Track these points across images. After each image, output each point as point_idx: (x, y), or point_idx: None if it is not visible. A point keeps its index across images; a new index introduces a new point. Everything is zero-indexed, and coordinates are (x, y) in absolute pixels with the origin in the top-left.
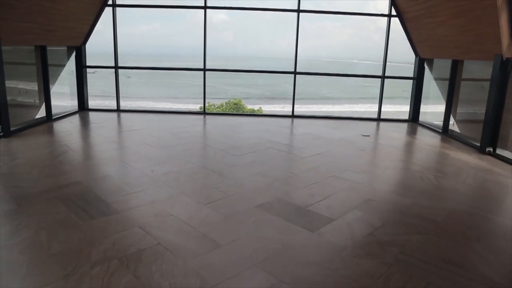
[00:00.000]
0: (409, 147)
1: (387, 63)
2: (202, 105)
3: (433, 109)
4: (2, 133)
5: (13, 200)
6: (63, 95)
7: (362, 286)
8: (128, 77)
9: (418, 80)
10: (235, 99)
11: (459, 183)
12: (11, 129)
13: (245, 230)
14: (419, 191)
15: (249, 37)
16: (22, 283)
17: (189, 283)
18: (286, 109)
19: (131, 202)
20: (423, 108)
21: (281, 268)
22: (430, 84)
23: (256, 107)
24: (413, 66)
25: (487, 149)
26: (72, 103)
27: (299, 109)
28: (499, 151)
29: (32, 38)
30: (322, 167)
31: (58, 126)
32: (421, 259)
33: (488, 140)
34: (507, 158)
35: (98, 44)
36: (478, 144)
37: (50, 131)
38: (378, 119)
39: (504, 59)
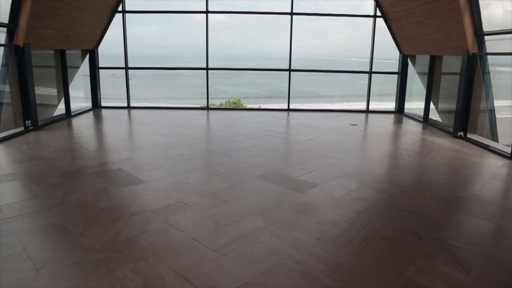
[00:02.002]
0: (391, 134)
1: (383, 61)
2: (202, 105)
3: (416, 100)
4: (32, 127)
5: (58, 175)
6: (79, 94)
7: (336, 224)
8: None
9: (402, 75)
10: (234, 99)
11: (428, 159)
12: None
13: (247, 192)
14: (393, 166)
15: (247, 37)
16: (83, 227)
17: (206, 224)
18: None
19: (154, 175)
20: (408, 100)
21: (274, 215)
22: (413, 78)
23: (255, 106)
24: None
25: (458, 134)
26: (86, 102)
27: (297, 107)
28: (469, 135)
29: (54, 43)
30: (312, 149)
31: (77, 121)
32: (383, 209)
33: (459, 126)
34: (475, 140)
35: (101, 47)
36: (452, 130)
37: (71, 125)
38: (367, 111)
39: (470, 54)
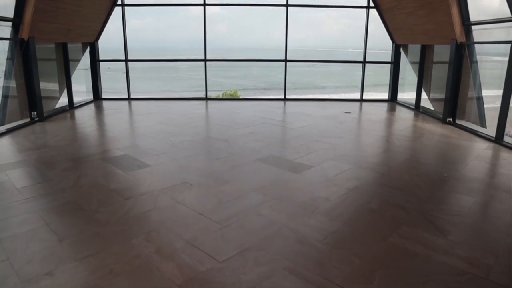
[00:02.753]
0: (383, 120)
1: (379, 51)
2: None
3: (408, 89)
4: (37, 118)
5: (68, 161)
6: (80, 87)
7: (329, 200)
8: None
9: (395, 64)
10: (230, 91)
11: (417, 143)
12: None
13: (247, 173)
14: (384, 149)
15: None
16: (97, 205)
17: (210, 200)
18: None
19: (159, 160)
20: (400, 88)
21: (271, 192)
22: (406, 67)
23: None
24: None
25: (447, 120)
26: (87, 93)
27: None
28: (457, 121)
29: (56, 36)
30: (307, 135)
31: (80, 112)
32: (372, 186)
33: (448, 112)
34: (463, 125)
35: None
36: (442, 116)
37: (75, 116)
38: (361, 100)
39: (458, 43)
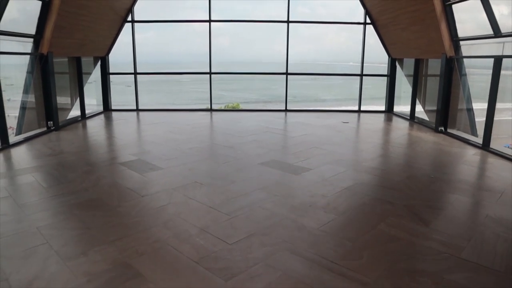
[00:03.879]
0: (379, 130)
1: (380, 65)
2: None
3: (404, 100)
4: (53, 127)
5: (87, 165)
6: (91, 98)
7: (325, 196)
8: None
9: (391, 77)
10: (233, 103)
11: (410, 150)
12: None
13: (251, 175)
14: (378, 154)
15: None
16: (118, 201)
17: (219, 197)
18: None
19: (170, 163)
20: (397, 100)
21: (273, 190)
22: (401, 80)
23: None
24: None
25: (439, 129)
26: (98, 105)
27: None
28: (449, 130)
29: (72, 51)
30: (307, 142)
31: (92, 122)
32: (365, 186)
33: (440, 122)
34: (454, 134)
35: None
36: (434, 126)
37: (88, 125)
38: (359, 111)
39: (448, 57)
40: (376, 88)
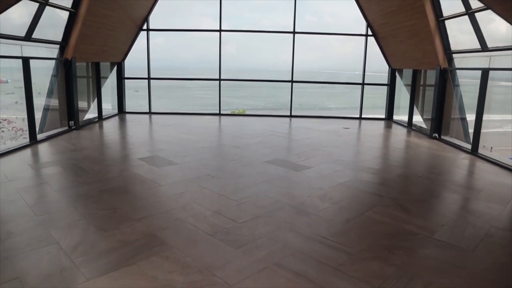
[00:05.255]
0: (377, 135)
1: (384, 74)
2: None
3: (402, 108)
4: (74, 127)
5: (109, 159)
6: (107, 101)
7: (322, 189)
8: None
9: (391, 86)
10: (239, 110)
11: (403, 152)
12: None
13: (257, 170)
14: (373, 156)
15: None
16: (141, 189)
17: (229, 187)
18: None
19: (184, 160)
20: (396, 108)
21: (277, 183)
22: (401, 89)
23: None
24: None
25: (433, 135)
26: (111, 108)
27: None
28: (442, 136)
29: (92, 56)
30: (309, 144)
31: (109, 123)
32: (358, 181)
33: (434, 129)
34: (447, 140)
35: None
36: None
37: (105, 126)
38: (360, 118)
39: (442, 68)
40: (382, 97)
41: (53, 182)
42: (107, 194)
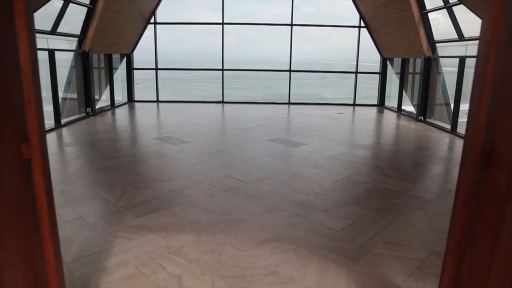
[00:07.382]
0: (368, 119)
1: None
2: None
3: (393, 94)
4: (91, 113)
5: (129, 139)
6: (117, 90)
7: (315, 160)
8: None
9: (382, 75)
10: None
11: (390, 132)
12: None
13: (260, 147)
14: (363, 136)
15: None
16: (160, 161)
17: (237, 159)
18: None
19: (195, 139)
20: (387, 94)
21: (278, 156)
22: (392, 77)
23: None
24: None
25: (419, 118)
26: (123, 96)
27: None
28: (427, 119)
29: (107, 48)
30: (306, 127)
31: (121, 110)
32: (347, 154)
33: (420, 112)
34: (431, 122)
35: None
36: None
37: (117, 113)
38: (354, 104)
39: (426, 57)
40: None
41: (85, 156)
42: (134, 164)
